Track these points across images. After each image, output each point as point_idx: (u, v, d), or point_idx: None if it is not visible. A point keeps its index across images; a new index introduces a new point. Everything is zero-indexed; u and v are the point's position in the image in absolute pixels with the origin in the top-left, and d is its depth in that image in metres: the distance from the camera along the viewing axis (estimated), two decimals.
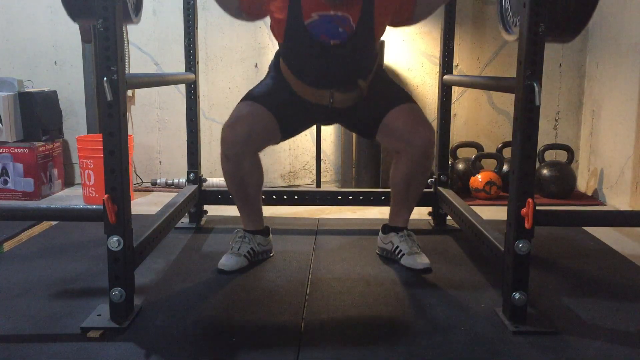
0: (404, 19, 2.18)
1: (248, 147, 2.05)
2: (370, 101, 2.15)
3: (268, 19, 2.13)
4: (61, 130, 3.56)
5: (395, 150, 2.18)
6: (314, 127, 3.23)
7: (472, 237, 2.14)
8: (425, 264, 2.13)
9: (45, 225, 2.63)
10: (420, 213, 2.84)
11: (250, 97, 2.14)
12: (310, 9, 1.99)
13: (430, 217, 2.78)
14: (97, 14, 1.53)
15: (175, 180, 3.54)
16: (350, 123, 2.29)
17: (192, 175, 2.72)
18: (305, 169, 3.63)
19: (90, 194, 3.16)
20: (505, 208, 1.69)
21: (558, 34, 1.81)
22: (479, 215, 2.20)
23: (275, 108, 2.11)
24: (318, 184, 3.30)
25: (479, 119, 3.61)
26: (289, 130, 2.20)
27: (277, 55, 2.21)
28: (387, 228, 2.28)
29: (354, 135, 3.35)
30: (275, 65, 2.21)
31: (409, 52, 3.52)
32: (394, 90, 2.24)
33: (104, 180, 1.62)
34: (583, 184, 3.52)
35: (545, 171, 3.32)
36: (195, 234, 2.60)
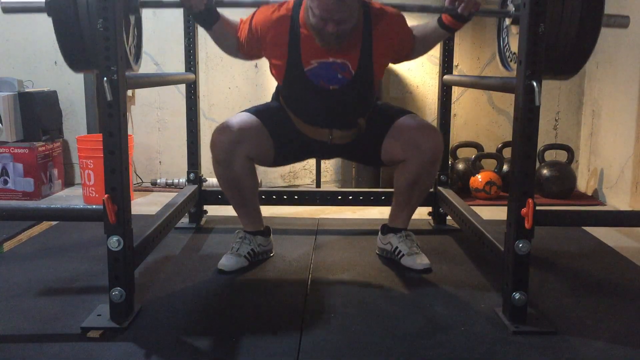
0: (402, 57, 2.20)
1: (237, 150, 2.04)
2: (369, 131, 2.15)
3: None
4: (61, 130, 3.56)
5: (402, 159, 2.12)
6: None
7: (472, 237, 2.14)
8: (425, 264, 2.13)
9: (45, 225, 2.63)
10: (420, 213, 2.84)
11: (247, 110, 2.15)
12: (309, 56, 2.00)
13: (430, 217, 2.78)
14: (96, 65, 1.57)
15: (175, 180, 3.54)
16: (351, 156, 2.29)
17: (192, 175, 2.72)
18: (305, 169, 3.63)
19: (90, 194, 3.16)
20: (505, 208, 1.69)
21: (555, 74, 1.86)
22: (479, 215, 2.19)
23: (272, 126, 2.11)
24: (318, 184, 3.30)
25: (479, 119, 3.61)
26: (283, 152, 2.17)
27: (278, 89, 2.21)
28: (386, 229, 2.28)
29: None
30: (276, 97, 2.22)
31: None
32: (393, 111, 2.22)
33: (104, 180, 1.62)
34: (583, 184, 3.52)
35: (545, 171, 3.32)
36: (195, 234, 2.60)
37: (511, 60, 2.09)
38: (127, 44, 1.80)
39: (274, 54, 2.05)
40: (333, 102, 2.06)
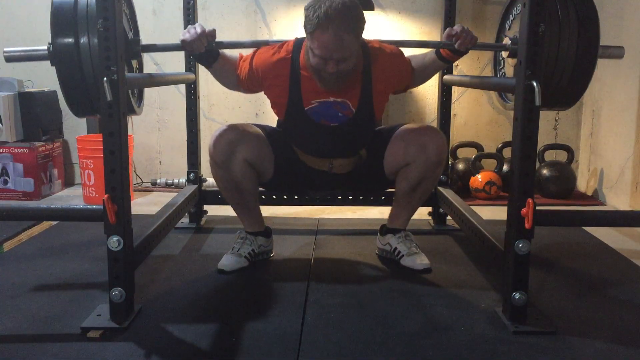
0: (402, 89, 2.23)
1: (236, 151, 2.04)
2: (370, 156, 2.18)
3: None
4: (61, 130, 3.56)
5: (406, 163, 2.11)
6: None
7: (472, 237, 2.14)
8: (425, 264, 2.13)
9: (45, 225, 2.64)
10: (420, 213, 2.83)
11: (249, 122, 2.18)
12: (310, 96, 2.03)
13: (430, 217, 2.78)
14: (100, 111, 1.59)
15: (175, 180, 3.54)
16: (354, 184, 2.28)
17: (192, 175, 2.72)
18: None
19: (90, 194, 3.16)
20: (505, 208, 1.69)
21: (552, 106, 1.92)
22: (479, 215, 2.19)
23: (273, 141, 2.13)
24: None
25: (479, 119, 3.61)
26: (283, 170, 2.16)
27: (279, 122, 2.22)
28: (385, 229, 2.28)
29: None
30: (278, 127, 2.23)
31: (409, 52, 3.51)
32: (390, 127, 2.23)
33: (104, 180, 1.62)
34: (583, 184, 3.52)
35: (545, 171, 3.32)
36: (195, 234, 2.60)
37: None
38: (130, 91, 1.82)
39: (275, 93, 2.09)
40: (334, 137, 2.10)
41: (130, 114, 1.87)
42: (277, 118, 2.20)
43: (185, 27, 2.67)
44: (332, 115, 2.06)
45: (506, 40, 1.98)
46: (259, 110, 3.53)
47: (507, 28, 2.14)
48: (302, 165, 2.18)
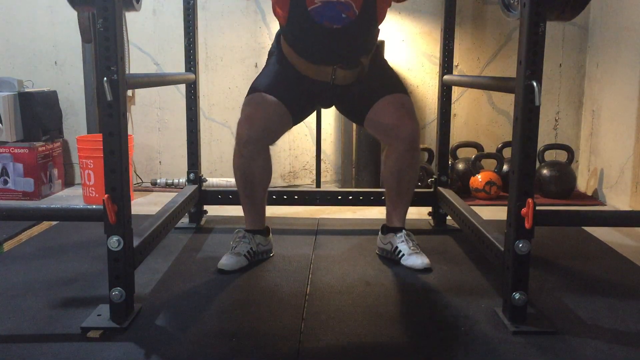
0: None
1: (264, 142, 2.10)
2: (365, 83, 2.17)
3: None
4: (61, 130, 3.56)
5: (382, 142, 2.19)
6: (314, 129, 3.23)
7: (472, 237, 2.14)
8: (425, 264, 2.13)
9: (45, 225, 2.63)
10: (420, 213, 2.84)
11: (258, 87, 2.16)
12: None
13: (430, 217, 2.78)
14: (96, 6, 1.53)
15: (175, 180, 3.54)
16: (345, 105, 2.29)
17: (192, 175, 2.72)
18: (305, 169, 3.63)
19: (90, 194, 3.16)
20: (505, 208, 1.69)
21: (559, 16, 1.79)
22: (479, 215, 2.19)
23: (284, 94, 2.13)
24: (318, 184, 3.30)
25: (479, 119, 3.61)
26: (299, 114, 2.21)
27: (278, 35, 2.24)
28: (386, 229, 2.28)
29: (354, 135, 3.35)
30: (277, 44, 2.23)
31: (409, 52, 3.52)
32: (388, 77, 2.26)
33: (104, 180, 1.62)
34: (583, 184, 3.52)
35: (545, 171, 3.32)
36: (195, 234, 2.60)
37: (514, 1, 1.99)
38: None
39: None
40: (336, 40, 2.08)
41: (128, 8, 1.78)
42: None
43: (185, 27, 2.68)
44: (335, 16, 2.04)
45: None
46: None
47: None
48: (307, 84, 2.16)
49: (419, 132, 2.15)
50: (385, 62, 2.34)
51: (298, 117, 2.23)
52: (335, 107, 2.34)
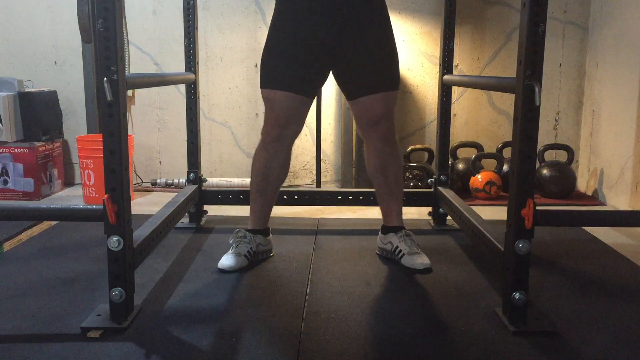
0: None
1: (290, 140, 2.16)
2: (369, 59, 2.13)
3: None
4: (61, 130, 3.56)
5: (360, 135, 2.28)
6: (314, 129, 3.23)
7: (472, 237, 2.14)
8: (426, 264, 2.13)
9: (45, 225, 2.64)
10: (420, 213, 2.84)
11: (274, 83, 2.10)
12: None
13: (430, 217, 2.78)
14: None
15: (175, 180, 3.54)
16: (342, 74, 2.20)
17: (192, 175, 2.72)
18: (305, 169, 3.63)
19: (90, 194, 3.16)
20: (505, 208, 1.69)
21: None
22: (479, 215, 2.20)
23: (296, 80, 2.10)
24: (318, 184, 3.30)
25: (479, 119, 3.61)
26: (312, 90, 2.17)
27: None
28: (386, 229, 2.28)
29: (354, 135, 3.36)
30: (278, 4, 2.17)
31: (409, 52, 3.52)
32: (388, 64, 2.23)
33: (104, 180, 1.62)
34: (583, 184, 3.52)
35: (545, 171, 3.32)
36: (195, 234, 2.60)
37: None
38: None
39: None
40: None
41: None
42: None
43: (185, 27, 2.68)
44: None
45: None
46: (259, 110, 3.53)
47: None
48: (309, 46, 2.08)
49: (393, 129, 2.20)
50: (390, 30, 2.24)
51: (312, 93, 2.19)
52: (334, 73, 2.23)
